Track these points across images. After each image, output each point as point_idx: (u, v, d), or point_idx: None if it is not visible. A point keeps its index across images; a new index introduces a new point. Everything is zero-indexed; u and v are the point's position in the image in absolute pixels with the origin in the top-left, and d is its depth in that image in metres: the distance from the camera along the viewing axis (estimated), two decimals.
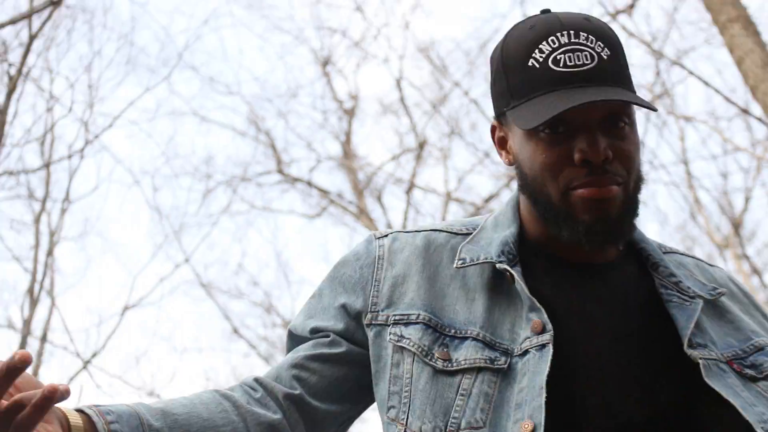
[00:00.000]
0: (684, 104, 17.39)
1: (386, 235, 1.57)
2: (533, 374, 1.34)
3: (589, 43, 1.41)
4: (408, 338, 1.42)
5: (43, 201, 10.65)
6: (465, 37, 24.45)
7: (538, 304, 1.39)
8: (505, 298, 1.44)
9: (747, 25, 6.54)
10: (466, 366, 1.38)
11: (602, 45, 1.41)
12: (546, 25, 1.42)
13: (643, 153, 1.52)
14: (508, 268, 1.44)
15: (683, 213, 13.34)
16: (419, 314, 1.45)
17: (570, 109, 1.37)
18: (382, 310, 1.47)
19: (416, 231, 1.57)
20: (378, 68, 23.30)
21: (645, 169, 1.50)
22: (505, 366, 1.37)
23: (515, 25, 1.50)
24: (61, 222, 10.76)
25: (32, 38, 9.08)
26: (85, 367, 10.00)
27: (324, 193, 12.90)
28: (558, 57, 1.40)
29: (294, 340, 1.57)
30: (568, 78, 1.39)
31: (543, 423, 1.28)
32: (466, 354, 1.39)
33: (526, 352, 1.37)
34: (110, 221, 21.68)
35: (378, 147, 23.58)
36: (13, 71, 9.08)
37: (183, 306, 21.29)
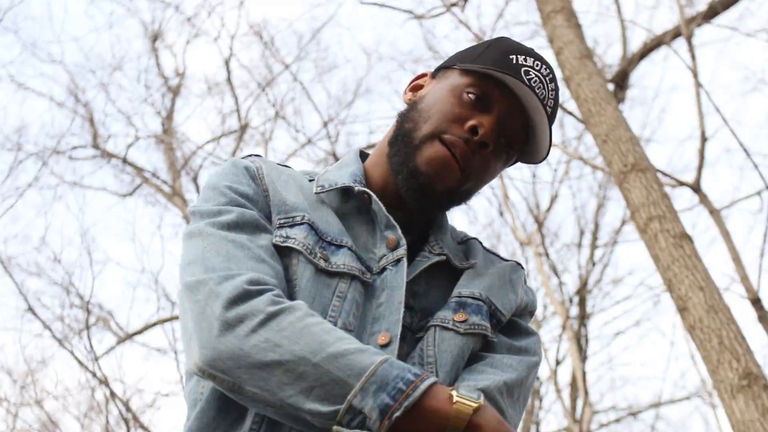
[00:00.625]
0: None
1: (252, 156, 1.65)
2: (391, 289, 1.50)
3: (552, 85, 1.61)
4: (294, 238, 1.51)
5: None
6: (298, 19, 24.26)
7: (393, 221, 1.55)
8: (363, 220, 1.59)
9: (569, 17, 6.52)
10: (344, 270, 1.49)
11: (554, 93, 1.62)
12: (537, 52, 1.64)
13: (485, 184, 1.68)
14: (367, 189, 1.58)
15: (492, 209, 13.88)
16: (303, 215, 1.54)
17: (504, 88, 1.58)
18: (273, 215, 1.54)
19: (276, 162, 1.67)
20: (208, 46, 22.94)
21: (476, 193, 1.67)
22: (369, 281, 1.51)
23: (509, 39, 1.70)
24: None
25: None
26: None
27: (138, 170, 12.65)
28: (530, 72, 1.59)
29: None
30: (526, 83, 1.57)
31: (398, 336, 1.44)
32: (343, 260, 1.50)
33: (383, 270, 1.52)
34: None
35: (200, 127, 23.20)
36: None
37: None
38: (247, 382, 1.32)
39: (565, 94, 6.94)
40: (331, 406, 1.29)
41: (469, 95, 1.59)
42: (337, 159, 10.14)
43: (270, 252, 1.48)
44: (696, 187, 6.80)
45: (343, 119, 12.21)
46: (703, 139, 6.74)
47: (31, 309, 12.06)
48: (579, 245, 12.98)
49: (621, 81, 7.18)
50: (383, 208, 1.57)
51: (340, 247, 1.52)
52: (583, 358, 12.23)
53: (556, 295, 12.19)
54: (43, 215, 17.48)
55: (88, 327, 12.24)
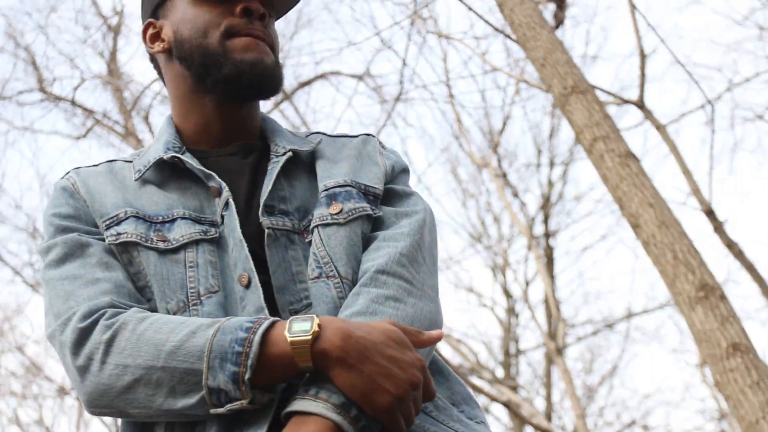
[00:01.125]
0: (446, 25, 17.75)
1: (68, 173, 1.65)
2: (231, 231, 1.49)
3: None
4: (124, 232, 1.51)
5: None
6: None
7: (208, 171, 1.56)
8: (189, 182, 1.58)
9: None
10: (184, 241, 1.50)
11: None
12: None
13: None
14: (175, 154, 1.58)
15: (447, 135, 13.77)
16: (126, 210, 1.54)
17: None
18: (98, 221, 1.55)
19: (95, 165, 1.67)
20: None
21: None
22: (217, 235, 1.51)
23: None
24: None
25: None
26: None
27: (89, 112, 12.39)
28: None
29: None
30: None
31: (254, 269, 1.44)
32: (180, 232, 1.51)
33: (222, 218, 1.52)
34: None
35: (145, 66, 22.82)
36: None
37: None
38: (125, 407, 1.37)
39: (500, 20, 6.83)
40: (196, 396, 1.32)
41: None
42: (285, 94, 9.97)
43: (104, 263, 1.50)
44: (640, 104, 6.83)
45: (287, 52, 11.96)
46: (642, 56, 6.76)
47: None
48: (537, 165, 12.93)
49: (560, 1, 7.07)
50: (195, 164, 1.57)
51: (173, 221, 1.53)
52: (552, 275, 12.29)
53: (519, 216, 12.19)
54: None
55: None
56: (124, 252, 1.50)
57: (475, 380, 10.37)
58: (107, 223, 1.54)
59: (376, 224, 1.57)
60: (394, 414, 1.26)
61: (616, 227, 14.39)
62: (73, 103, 12.28)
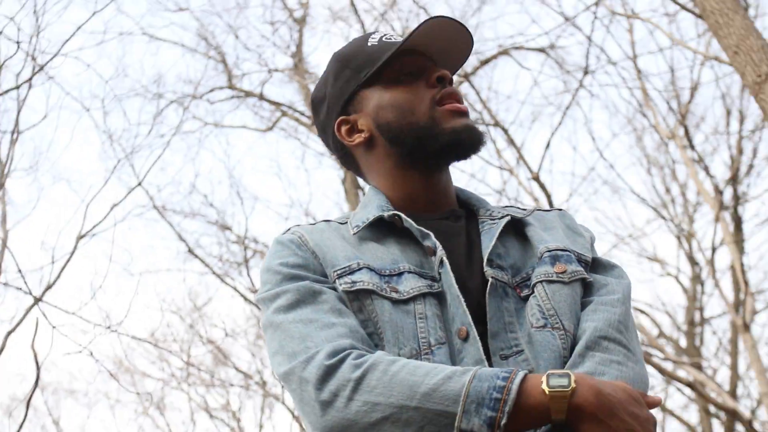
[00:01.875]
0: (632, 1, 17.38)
1: (289, 229, 1.76)
2: (448, 287, 1.59)
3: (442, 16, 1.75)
4: (360, 281, 1.61)
5: None
6: None
7: (425, 230, 1.65)
8: (406, 242, 1.68)
9: None
10: (414, 293, 1.59)
11: (457, 21, 1.76)
12: (363, 33, 1.80)
13: None
14: (395, 211, 1.69)
15: (631, 107, 13.53)
16: (358, 262, 1.64)
17: (416, 52, 1.76)
18: (329, 271, 1.64)
19: (312, 223, 1.78)
20: None
21: None
22: (440, 290, 1.60)
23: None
24: (11, 152, 10.65)
25: None
26: (36, 304, 9.95)
27: (276, 105, 12.82)
28: (389, 36, 1.78)
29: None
30: (399, 41, 1.76)
31: (472, 323, 1.54)
32: (410, 285, 1.60)
33: (439, 275, 1.61)
34: (61, 150, 21.03)
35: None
36: None
37: (137, 231, 21.21)
38: None
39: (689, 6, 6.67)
40: None
41: (402, 78, 1.76)
42: (464, 76, 10.05)
43: (337, 310, 1.58)
44: None
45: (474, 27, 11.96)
46: None
47: (191, 251, 12.60)
48: (727, 128, 12.55)
49: None
50: (413, 223, 1.67)
51: (400, 274, 1.62)
52: (741, 246, 11.94)
53: (706, 185, 11.89)
54: (190, 160, 18.00)
55: (246, 261, 12.77)
56: (355, 300, 1.59)
57: (657, 357, 10.21)
58: (340, 272, 1.62)
59: (586, 289, 1.69)
60: None
61: None
62: (260, 97, 12.73)
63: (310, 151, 16.27)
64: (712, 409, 12.01)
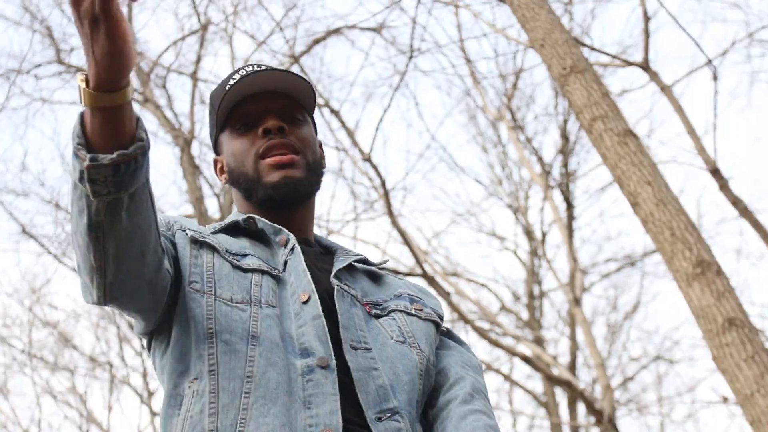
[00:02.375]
0: None
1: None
2: (295, 267, 1.72)
3: (268, 67, 1.88)
4: (208, 239, 1.74)
5: None
6: None
7: (279, 226, 1.79)
8: (257, 242, 1.80)
9: None
10: (254, 267, 1.72)
11: (281, 70, 1.90)
12: (239, 68, 1.89)
13: (317, 146, 1.94)
14: (251, 214, 1.82)
15: (461, 91, 13.74)
16: (206, 237, 1.76)
17: (251, 100, 1.86)
18: (182, 229, 1.76)
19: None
20: None
21: (322, 168, 1.93)
22: (279, 274, 1.72)
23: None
24: None
25: None
26: None
27: None
28: (246, 72, 1.86)
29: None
30: (249, 82, 1.86)
31: (315, 290, 1.67)
32: (250, 262, 1.73)
33: (285, 263, 1.74)
34: None
35: (160, 33, 22.89)
36: None
37: None
38: None
39: None
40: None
41: (239, 127, 1.88)
42: (295, 58, 10.06)
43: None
44: (645, 66, 6.81)
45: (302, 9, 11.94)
46: (646, 18, 6.72)
47: (25, 230, 12.17)
48: (555, 111, 12.94)
49: None
50: (267, 221, 1.81)
51: (245, 255, 1.74)
52: (571, 221, 12.37)
53: (535, 167, 12.23)
54: (19, 138, 17.36)
55: None
56: (196, 247, 1.73)
57: (496, 333, 10.55)
58: (191, 230, 1.75)
59: (443, 341, 1.88)
60: None
61: None
62: None
63: (146, 127, 15.78)
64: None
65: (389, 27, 9.94)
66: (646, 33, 6.76)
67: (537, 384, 13.51)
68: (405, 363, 1.71)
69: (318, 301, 1.66)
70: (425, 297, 1.92)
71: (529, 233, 13.90)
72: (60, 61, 12.43)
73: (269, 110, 1.86)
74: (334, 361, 1.59)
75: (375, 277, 1.89)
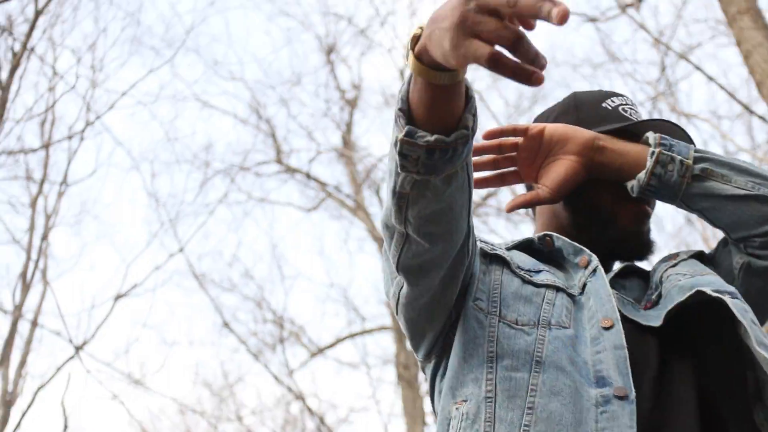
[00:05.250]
0: (687, 101, 17.35)
1: None
2: (596, 290, 1.53)
3: (664, 119, 1.71)
4: (500, 251, 1.60)
5: (41, 183, 10.34)
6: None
7: (579, 246, 1.62)
8: (555, 264, 1.64)
9: (756, 18, 6.36)
10: (548, 283, 1.54)
11: (673, 124, 1.72)
12: (611, 90, 1.81)
13: None
14: (547, 232, 1.69)
15: (680, 218, 13.28)
16: (504, 251, 1.62)
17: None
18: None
19: None
20: (382, 57, 23.08)
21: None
22: (576, 294, 1.54)
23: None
24: (57, 205, 10.54)
25: (38, 14, 8.93)
26: (76, 353, 9.82)
27: (322, 185, 12.78)
28: (625, 108, 1.76)
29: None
30: (651, 126, 1.69)
31: (620, 318, 1.47)
32: (545, 277, 1.56)
33: (584, 286, 1.55)
34: (107, 206, 21.11)
35: (379, 139, 23.49)
36: (17, 47, 8.92)
37: (175, 297, 21.09)
38: None
39: (754, 97, 6.65)
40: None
41: None
42: None
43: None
44: None
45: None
46: None
47: (226, 324, 12.35)
48: None
49: None
50: (566, 239, 1.65)
51: (539, 272, 1.58)
52: None
53: None
54: (234, 231, 17.96)
55: (281, 341, 12.47)
56: (484, 263, 1.57)
57: None
58: (481, 242, 1.62)
59: None
60: None
61: None
62: (307, 175, 12.70)
63: (353, 234, 16.05)
64: None
65: None
66: None
67: None
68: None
69: (622, 331, 1.45)
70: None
71: None
72: (279, 161, 12.79)
73: None
74: (634, 393, 1.38)
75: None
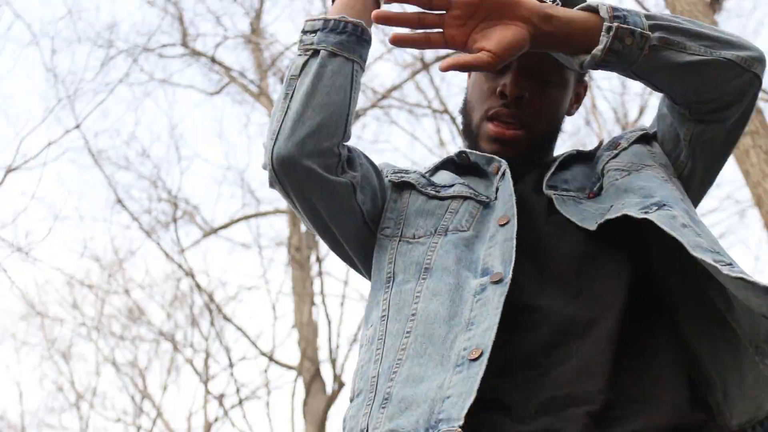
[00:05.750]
0: None
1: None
2: (503, 192, 1.56)
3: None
4: (408, 176, 1.65)
5: None
6: None
7: (490, 155, 1.64)
8: (472, 176, 1.65)
9: None
10: (454, 194, 1.59)
11: None
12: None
13: (562, 113, 1.73)
14: (461, 148, 1.72)
15: (579, 118, 13.76)
16: (415, 170, 1.69)
17: None
18: (387, 177, 1.67)
19: None
20: None
21: (561, 125, 1.74)
22: (487, 200, 1.57)
23: None
24: None
25: None
26: None
27: (226, 69, 12.72)
28: None
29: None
30: None
31: (516, 214, 1.49)
32: (455, 190, 1.61)
33: (497, 190, 1.58)
34: (1, 78, 20.81)
35: (288, 27, 23.29)
36: None
37: (69, 173, 20.78)
38: None
39: (661, 6, 6.85)
40: None
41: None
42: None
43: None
44: None
45: None
46: None
47: (120, 201, 12.37)
48: None
49: None
50: (479, 153, 1.67)
51: (451, 186, 1.62)
52: None
53: None
54: (133, 111, 17.80)
55: (175, 220, 12.57)
56: (395, 193, 1.64)
57: None
58: (396, 170, 1.69)
59: None
60: None
61: (738, 226, 14.06)
62: (212, 59, 12.63)
63: (254, 119, 16.13)
64: None
65: None
66: None
67: None
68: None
69: (515, 225, 1.47)
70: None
71: None
72: (185, 45, 12.70)
73: (521, 66, 1.63)
74: (509, 277, 1.39)
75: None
